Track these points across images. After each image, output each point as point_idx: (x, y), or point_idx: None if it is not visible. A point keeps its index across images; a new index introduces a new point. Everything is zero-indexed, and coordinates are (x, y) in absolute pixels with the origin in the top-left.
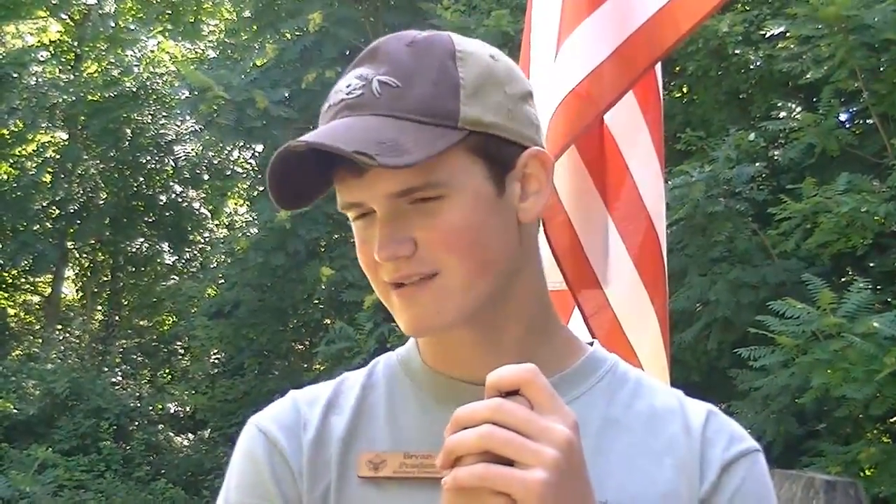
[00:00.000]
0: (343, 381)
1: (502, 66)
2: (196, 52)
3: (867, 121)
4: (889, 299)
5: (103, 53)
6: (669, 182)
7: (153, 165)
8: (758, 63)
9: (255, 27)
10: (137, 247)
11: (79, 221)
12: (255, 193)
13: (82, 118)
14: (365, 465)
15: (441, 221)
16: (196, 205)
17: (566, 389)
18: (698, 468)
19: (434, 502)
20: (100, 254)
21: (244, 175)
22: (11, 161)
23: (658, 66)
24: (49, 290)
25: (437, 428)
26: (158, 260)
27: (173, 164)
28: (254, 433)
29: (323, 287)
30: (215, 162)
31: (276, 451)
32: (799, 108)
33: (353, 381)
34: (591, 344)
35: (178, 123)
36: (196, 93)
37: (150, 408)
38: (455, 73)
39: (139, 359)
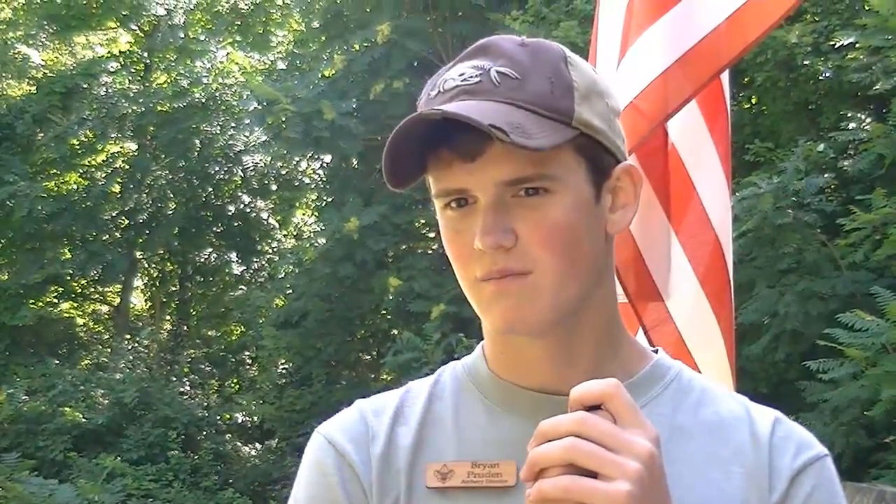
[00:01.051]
0: (408, 390)
1: (603, 80)
2: (265, 63)
3: None
4: None
5: (173, 64)
6: (738, 193)
7: (222, 176)
8: (827, 74)
9: (323, 38)
10: (206, 257)
11: (147, 231)
12: (323, 204)
13: (151, 129)
14: (433, 475)
15: (544, 217)
16: (264, 215)
17: (633, 397)
18: (767, 477)
19: None
20: (168, 264)
21: (312, 185)
22: (81, 171)
23: (726, 77)
24: (118, 299)
25: (504, 437)
26: (226, 270)
27: (242, 175)
28: (322, 444)
29: (390, 297)
30: (283, 172)
31: (346, 463)
32: (868, 119)
33: (419, 391)
34: (656, 352)
35: (247, 134)
36: (264, 104)
37: (218, 417)
38: (569, 75)
39: (207, 368)
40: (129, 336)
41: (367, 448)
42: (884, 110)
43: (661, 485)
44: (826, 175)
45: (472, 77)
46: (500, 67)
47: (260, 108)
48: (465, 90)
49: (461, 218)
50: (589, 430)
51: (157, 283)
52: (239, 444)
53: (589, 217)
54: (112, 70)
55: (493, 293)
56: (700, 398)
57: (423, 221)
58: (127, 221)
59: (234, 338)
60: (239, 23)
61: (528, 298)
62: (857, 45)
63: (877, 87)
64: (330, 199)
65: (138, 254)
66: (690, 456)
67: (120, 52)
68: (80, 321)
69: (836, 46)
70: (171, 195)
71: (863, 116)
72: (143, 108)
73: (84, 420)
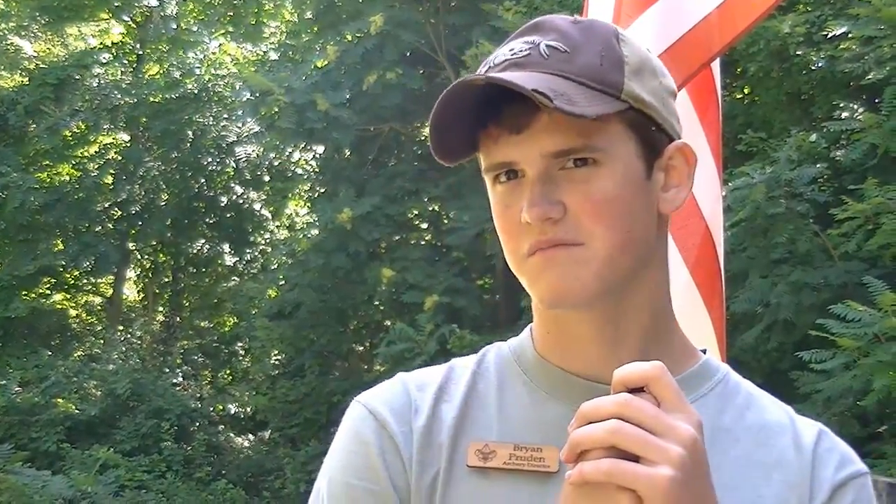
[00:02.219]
0: (452, 367)
1: (656, 60)
2: (257, 54)
3: None
4: None
5: (165, 55)
6: (730, 184)
7: (214, 167)
8: (820, 64)
9: (315, 29)
10: (198, 248)
11: (140, 223)
12: (316, 195)
13: (144, 120)
14: (474, 454)
15: (593, 189)
16: (257, 206)
17: None
18: (808, 487)
19: (541, 496)
20: (161, 255)
21: (305, 176)
22: (74, 162)
23: (717, 67)
24: (111, 291)
25: (547, 420)
26: (219, 261)
27: (234, 166)
28: (363, 413)
29: (383, 288)
30: (276, 163)
31: (386, 434)
32: (861, 109)
33: (463, 369)
34: (704, 352)
35: (240, 125)
36: (257, 95)
37: (211, 409)
38: (620, 50)
39: (200, 360)
40: (121, 327)
41: (410, 421)
42: (876, 100)
43: (704, 470)
44: (819, 165)
45: (521, 51)
46: (550, 41)
47: (253, 99)
48: (513, 63)
49: (510, 192)
50: (632, 412)
51: (150, 275)
52: (232, 435)
53: (639, 192)
54: (104, 61)
55: (540, 263)
56: (746, 402)
57: (416, 212)
58: (119, 213)
59: (226, 329)
60: (231, 14)
61: (576, 269)
62: (850, 35)
63: (869, 76)
64: (323, 190)
65: (131, 245)
66: (733, 459)
67: (112, 43)
68: (72, 312)
69: (828, 36)
70: (164, 186)
71: (855, 106)
72: (136, 100)
73: (77, 411)
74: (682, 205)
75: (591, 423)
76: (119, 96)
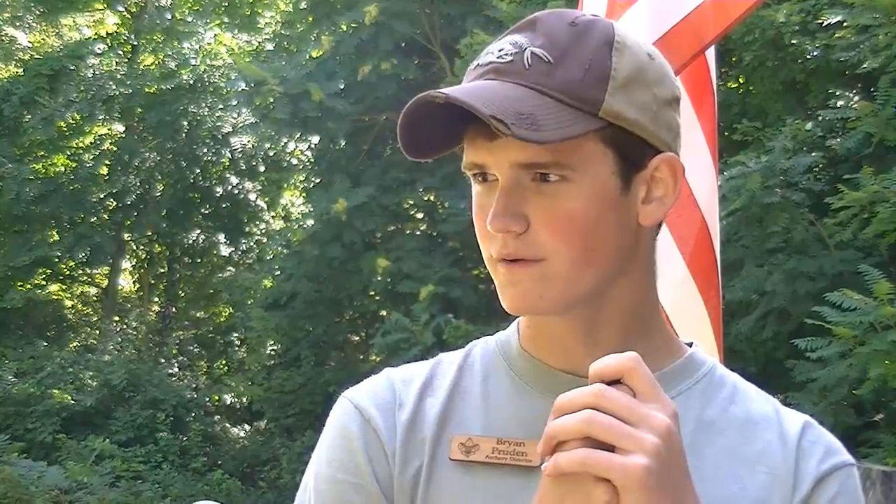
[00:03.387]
0: (439, 362)
1: (657, 67)
2: (252, 45)
3: None
4: None
5: (160, 46)
6: (725, 173)
7: (209, 157)
8: (815, 53)
9: (310, 19)
10: (194, 238)
11: (136, 213)
12: (311, 185)
13: (139, 110)
14: (457, 448)
15: (558, 206)
16: (252, 196)
17: (663, 388)
18: (792, 479)
19: (524, 489)
20: (156, 245)
21: (300, 167)
22: (69, 153)
23: (712, 57)
24: (106, 281)
25: (531, 414)
26: (215, 251)
27: (230, 156)
28: (348, 409)
29: (379, 278)
30: (271, 154)
31: (371, 428)
32: (856, 98)
33: (450, 363)
34: (691, 345)
35: (235, 115)
36: (252, 85)
37: (207, 399)
38: (608, 62)
39: (196, 350)
40: (117, 318)
41: (394, 415)
42: (872, 89)
43: (679, 460)
44: (814, 154)
45: (506, 55)
46: (536, 48)
47: (248, 89)
48: (495, 68)
49: (484, 193)
50: (606, 403)
51: (146, 265)
52: (227, 425)
53: (610, 209)
54: (99, 52)
55: (505, 278)
56: (731, 395)
57: (411, 202)
58: (115, 203)
59: (222, 319)
60: (226, 4)
61: (537, 286)
62: (845, 24)
63: (865, 65)
64: (318, 181)
65: (126, 236)
66: (717, 451)
67: (107, 33)
68: (68, 303)
69: (823, 25)
70: (159, 177)
71: (851, 95)
72: (131, 90)
73: (73, 402)
74: (663, 217)
75: (566, 414)
76: (114, 87)
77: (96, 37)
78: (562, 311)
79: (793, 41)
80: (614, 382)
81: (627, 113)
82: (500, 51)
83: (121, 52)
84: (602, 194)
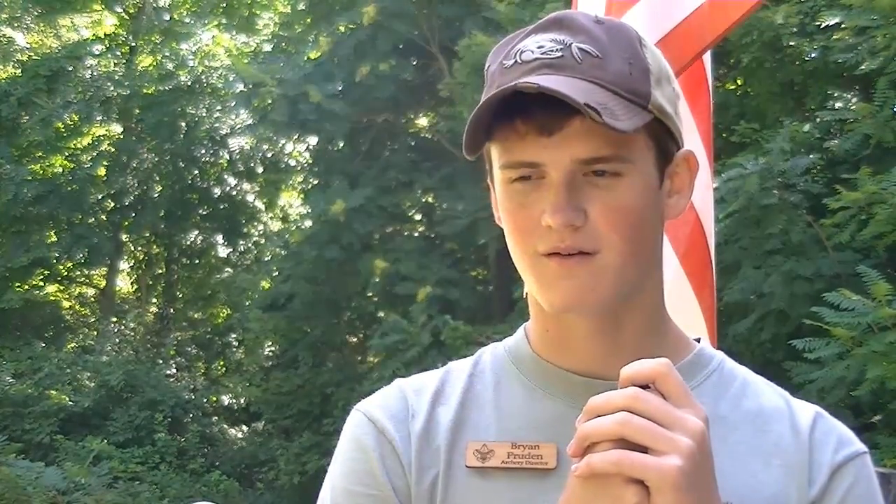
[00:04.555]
0: (449, 370)
1: (668, 65)
2: (250, 46)
3: None
4: None
5: (158, 47)
6: (723, 175)
7: (207, 158)
8: (813, 54)
9: (308, 20)
10: (192, 239)
11: (133, 214)
12: (309, 186)
13: (137, 111)
14: (472, 454)
15: (615, 199)
16: (250, 198)
17: None
18: (807, 471)
19: (540, 493)
20: (154, 246)
21: (298, 168)
22: (67, 154)
23: (708, 58)
24: (104, 282)
25: (544, 418)
26: (213, 252)
27: (227, 157)
28: (362, 421)
29: (377, 280)
30: (269, 155)
31: (386, 440)
32: (854, 99)
33: (460, 371)
34: (698, 341)
35: (233, 117)
36: (250, 87)
37: (205, 400)
38: (645, 57)
39: (193, 351)
40: (115, 319)
41: (407, 425)
42: (870, 90)
43: (710, 464)
44: (812, 155)
45: (552, 50)
46: (580, 44)
47: (246, 90)
48: (546, 63)
49: (528, 192)
50: (642, 405)
51: (143, 266)
52: (225, 426)
53: (654, 202)
54: (97, 53)
55: (557, 272)
56: (742, 389)
57: (408, 204)
58: (113, 204)
59: (220, 320)
60: (224, 5)
61: (592, 280)
62: (843, 26)
63: (862, 67)
64: (316, 182)
65: (124, 237)
66: (731, 446)
67: (105, 34)
68: (66, 304)
69: (821, 27)
70: (157, 178)
71: (849, 96)
72: (129, 91)
73: (70, 403)
74: (683, 211)
75: (599, 416)
76: (112, 88)
77: (94, 38)
78: (609, 307)
79: (791, 42)
80: (644, 387)
81: (666, 106)
82: (539, 48)
83: (119, 53)
84: (649, 188)
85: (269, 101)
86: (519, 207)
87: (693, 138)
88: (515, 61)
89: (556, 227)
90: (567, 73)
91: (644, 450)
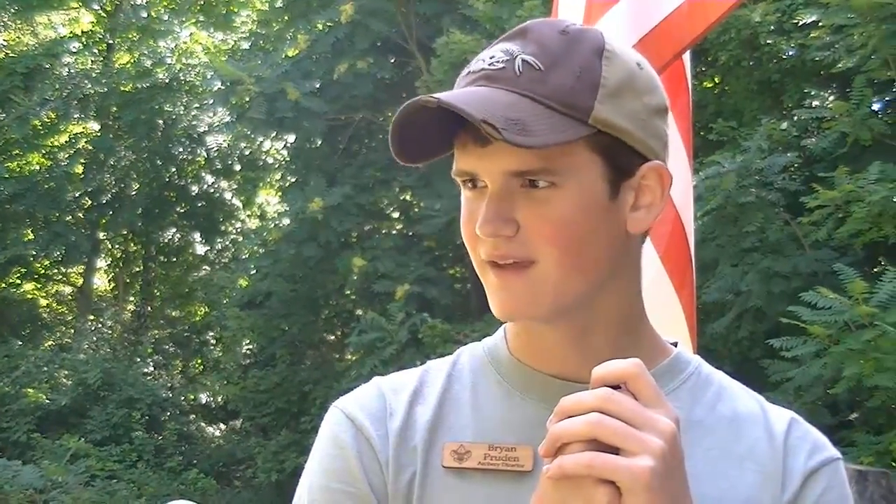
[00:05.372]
0: (427, 370)
1: (645, 76)
2: (228, 43)
3: None
4: None
5: (135, 44)
6: (701, 173)
7: (185, 156)
8: (790, 52)
9: (286, 18)
10: (169, 237)
11: (111, 212)
12: (287, 184)
13: (114, 109)
14: (449, 455)
15: (548, 211)
16: (228, 195)
17: None
18: (781, 476)
19: (517, 495)
20: (132, 244)
21: (276, 166)
22: (44, 152)
23: (687, 56)
24: (81, 280)
25: (521, 420)
26: (190, 250)
27: (205, 155)
28: (340, 418)
29: (355, 278)
30: (247, 153)
31: (363, 438)
32: (831, 98)
33: (438, 371)
34: (675, 345)
35: (211, 114)
36: (227, 85)
37: (182, 398)
38: (598, 70)
39: (171, 349)
40: (92, 317)
41: (385, 424)
42: (847, 88)
43: (681, 464)
44: (789, 154)
45: (498, 62)
46: (527, 56)
47: (223, 88)
48: (486, 75)
49: (474, 199)
50: (613, 406)
51: (121, 264)
52: (203, 424)
53: (599, 215)
54: (74, 50)
55: (496, 282)
56: (718, 394)
57: (386, 202)
58: (90, 202)
59: (197, 318)
60: (202, 2)
61: (529, 291)
62: (820, 24)
63: (840, 65)
64: (294, 180)
65: (101, 234)
66: (706, 450)
67: (82, 31)
68: (43, 302)
69: (799, 25)
70: (135, 176)
71: (826, 95)
72: (106, 89)
73: (47, 401)
74: (652, 224)
75: (571, 417)
76: (89, 85)
77: (71, 35)
78: (552, 317)
79: (768, 41)
80: (615, 388)
81: (617, 121)
82: (491, 58)
83: (96, 51)
84: (591, 201)
85: (247, 99)
86: (469, 215)
87: (674, 137)
88: (469, 71)
89: (483, 237)
90: (501, 84)
91: (616, 450)
